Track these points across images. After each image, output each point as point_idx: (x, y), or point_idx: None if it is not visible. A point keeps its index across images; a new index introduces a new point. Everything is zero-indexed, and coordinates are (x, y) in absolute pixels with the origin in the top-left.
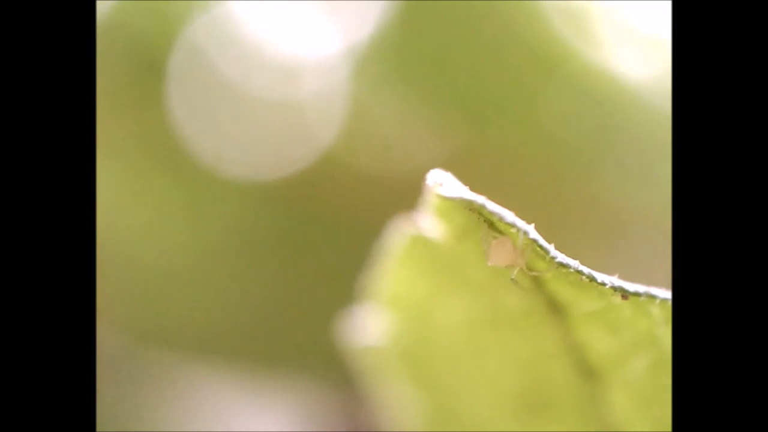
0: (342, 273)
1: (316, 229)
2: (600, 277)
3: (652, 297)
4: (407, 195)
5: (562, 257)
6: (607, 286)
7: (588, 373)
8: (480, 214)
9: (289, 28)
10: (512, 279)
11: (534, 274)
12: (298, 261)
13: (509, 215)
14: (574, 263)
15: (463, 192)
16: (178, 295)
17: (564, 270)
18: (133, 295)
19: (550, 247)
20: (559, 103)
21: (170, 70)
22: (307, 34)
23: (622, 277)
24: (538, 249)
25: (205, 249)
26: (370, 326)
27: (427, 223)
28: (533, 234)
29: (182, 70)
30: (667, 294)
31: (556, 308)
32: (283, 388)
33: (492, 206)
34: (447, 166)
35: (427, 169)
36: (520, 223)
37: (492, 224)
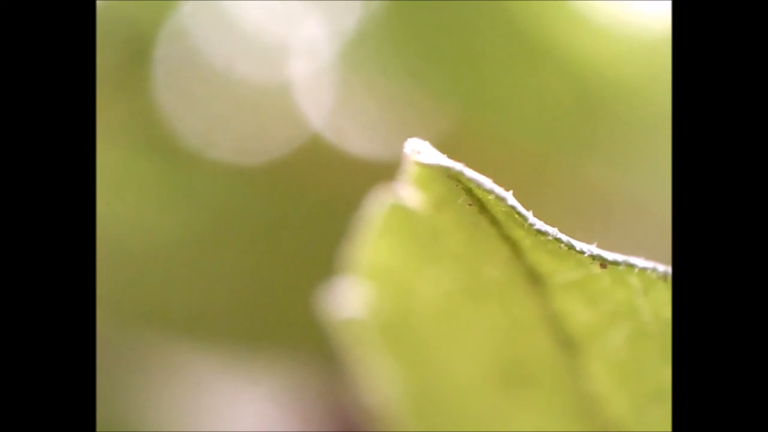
0: (329, 256)
1: (303, 211)
2: (578, 245)
3: (631, 266)
4: (395, 179)
5: (540, 224)
6: (586, 255)
7: (567, 343)
8: (458, 181)
9: (277, 12)
10: None
11: None
12: (285, 244)
13: (487, 182)
14: (552, 230)
15: (441, 159)
16: (163, 275)
17: (542, 237)
18: (118, 276)
19: (528, 214)
20: (549, 87)
21: (157, 54)
22: (294, 17)
23: None
24: (517, 216)
25: (190, 231)
26: (351, 298)
27: (407, 192)
28: (511, 201)
29: (169, 54)
30: (646, 264)
31: (535, 278)
32: (269, 365)
33: (470, 173)
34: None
35: None
36: (498, 190)
37: (470, 192)
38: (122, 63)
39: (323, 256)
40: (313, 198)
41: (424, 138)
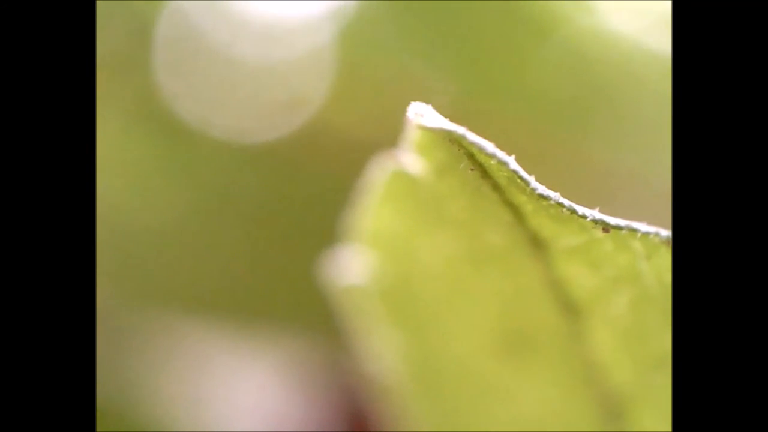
0: (328, 233)
1: (303, 190)
2: (581, 209)
3: (634, 231)
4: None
5: (542, 189)
6: (588, 219)
7: (570, 308)
8: (460, 145)
9: None
10: None
11: None
12: (285, 221)
13: (489, 146)
14: (554, 195)
15: (443, 122)
16: (164, 253)
17: (544, 202)
18: (118, 254)
19: (531, 179)
20: (551, 64)
21: (157, 34)
22: None
23: None
24: (519, 181)
25: (191, 209)
26: (353, 266)
27: (408, 159)
28: (513, 165)
29: (169, 33)
30: (649, 228)
31: (537, 243)
32: (271, 341)
33: (472, 137)
34: None
35: None
36: (501, 154)
37: (472, 156)
38: (123, 42)
39: (323, 234)
40: (312, 176)
41: None
